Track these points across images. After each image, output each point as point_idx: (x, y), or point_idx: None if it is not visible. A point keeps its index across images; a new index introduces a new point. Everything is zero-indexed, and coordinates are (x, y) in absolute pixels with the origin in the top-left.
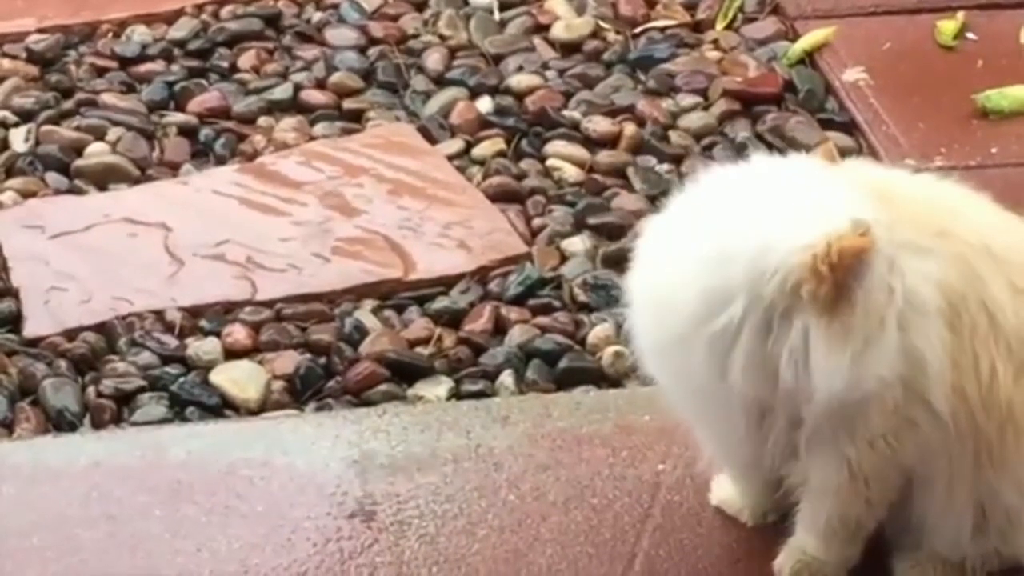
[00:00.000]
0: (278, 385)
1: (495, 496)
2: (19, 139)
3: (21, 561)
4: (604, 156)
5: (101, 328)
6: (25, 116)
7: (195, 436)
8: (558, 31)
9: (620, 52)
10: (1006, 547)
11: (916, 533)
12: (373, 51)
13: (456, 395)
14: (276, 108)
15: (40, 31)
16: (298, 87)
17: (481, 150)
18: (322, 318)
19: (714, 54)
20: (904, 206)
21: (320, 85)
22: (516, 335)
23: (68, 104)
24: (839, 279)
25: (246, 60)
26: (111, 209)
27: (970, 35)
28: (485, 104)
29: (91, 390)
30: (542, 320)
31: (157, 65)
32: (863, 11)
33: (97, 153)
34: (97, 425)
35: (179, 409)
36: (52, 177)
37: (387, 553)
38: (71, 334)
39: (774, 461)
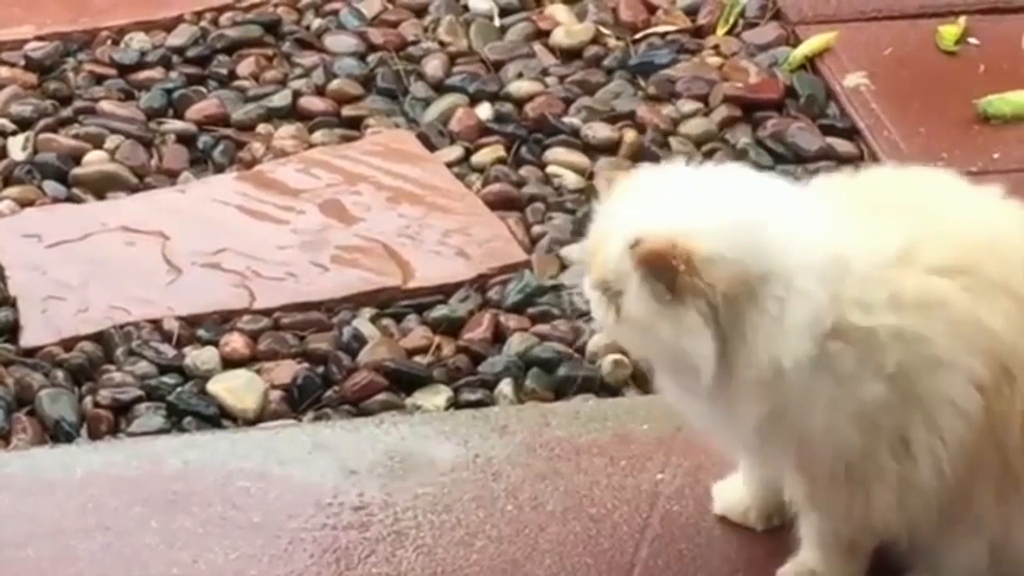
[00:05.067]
0: (276, 395)
1: (493, 506)
2: (17, 147)
3: (16, 573)
4: (604, 163)
5: (98, 337)
6: (23, 124)
7: (192, 446)
8: (558, 37)
9: (620, 58)
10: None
11: (932, 556)
12: (372, 57)
13: (454, 404)
14: (275, 115)
15: (38, 38)
16: (297, 94)
17: (480, 157)
18: (320, 327)
19: (715, 60)
20: (977, 265)
21: (319, 92)
22: (515, 343)
23: (66, 112)
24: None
25: (245, 67)
26: (109, 218)
27: (972, 40)
28: (485, 111)
29: (88, 400)
30: (541, 328)
31: (156, 72)
32: (864, 16)
33: (95, 161)
34: (94, 435)
35: (176, 419)
36: (50, 185)
37: (384, 564)
38: (68, 343)
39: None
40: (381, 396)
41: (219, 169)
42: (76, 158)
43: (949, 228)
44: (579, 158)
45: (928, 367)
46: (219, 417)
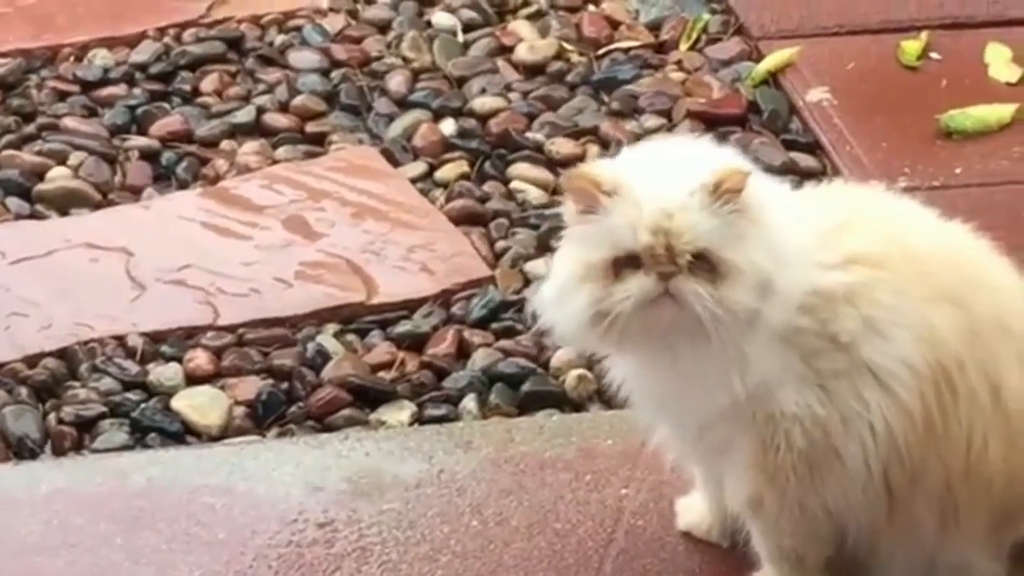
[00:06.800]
0: (240, 411)
1: (458, 522)
2: None
3: None
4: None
5: (62, 354)
6: None
7: (156, 463)
8: (522, 53)
9: (584, 74)
10: None
11: (869, 561)
12: (336, 74)
13: (419, 420)
14: (239, 131)
15: (1, 55)
16: (261, 110)
17: (444, 173)
18: (284, 343)
19: (678, 75)
20: (925, 263)
21: (283, 108)
22: (479, 359)
23: (29, 128)
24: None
25: (208, 83)
26: (72, 234)
27: (934, 55)
28: (448, 126)
29: (52, 417)
30: (505, 344)
31: (119, 89)
32: (827, 31)
33: (58, 178)
34: (58, 452)
35: (140, 435)
36: (13, 202)
37: None
38: (32, 360)
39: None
40: (345, 412)
41: (183, 185)
42: (39, 174)
43: (889, 227)
44: (542, 174)
45: (867, 331)
46: (183, 433)
